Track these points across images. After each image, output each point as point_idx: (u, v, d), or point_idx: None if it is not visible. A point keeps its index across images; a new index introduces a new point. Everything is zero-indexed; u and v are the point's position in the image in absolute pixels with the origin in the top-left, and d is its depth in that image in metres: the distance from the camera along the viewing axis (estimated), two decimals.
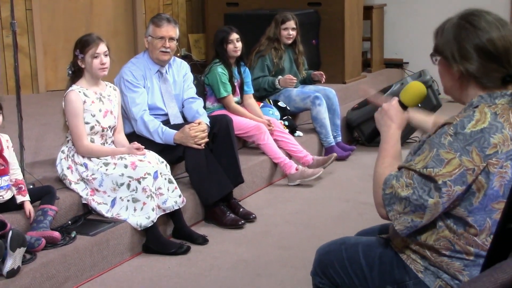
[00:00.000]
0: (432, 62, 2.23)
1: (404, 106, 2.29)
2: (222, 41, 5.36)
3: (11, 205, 3.72)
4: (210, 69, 5.39)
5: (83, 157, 4.12)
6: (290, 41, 6.10)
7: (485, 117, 2.06)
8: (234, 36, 5.34)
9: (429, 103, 6.38)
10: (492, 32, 2.09)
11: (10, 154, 3.76)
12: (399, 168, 2.14)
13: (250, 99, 5.65)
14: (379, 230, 2.53)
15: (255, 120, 5.42)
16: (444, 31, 2.16)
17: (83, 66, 4.12)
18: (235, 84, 5.48)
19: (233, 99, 5.42)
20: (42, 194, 3.85)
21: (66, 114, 4.12)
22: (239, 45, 5.36)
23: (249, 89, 5.65)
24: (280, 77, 5.99)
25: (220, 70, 5.34)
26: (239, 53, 5.39)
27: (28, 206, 3.73)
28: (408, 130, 5.91)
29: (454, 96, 2.22)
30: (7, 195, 3.70)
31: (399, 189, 2.09)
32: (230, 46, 5.35)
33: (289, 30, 6.06)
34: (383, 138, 2.27)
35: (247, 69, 5.62)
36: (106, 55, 4.11)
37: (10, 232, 3.32)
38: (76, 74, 4.17)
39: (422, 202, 2.06)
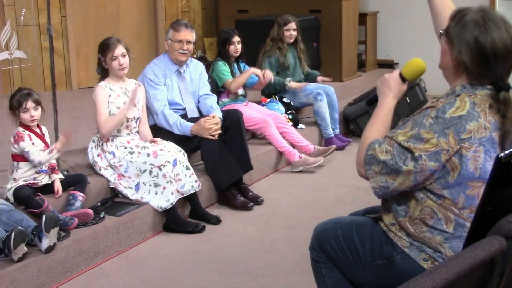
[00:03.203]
0: (438, 37, 2.18)
1: (403, 79, 2.26)
2: (225, 41, 5.36)
3: (47, 190, 3.74)
4: (213, 66, 5.39)
5: (111, 145, 4.13)
6: (292, 40, 6.11)
7: (464, 106, 2.06)
8: (236, 38, 5.36)
9: (416, 99, 6.33)
10: (499, 42, 2.03)
11: (49, 143, 3.79)
12: (384, 137, 2.15)
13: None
14: (367, 211, 2.54)
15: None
16: (461, 20, 2.10)
17: (106, 67, 4.13)
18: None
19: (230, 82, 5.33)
20: (75, 181, 3.88)
21: (94, 104, 4.12)
22: (239, 46, 5.37)
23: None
24: (290, 80, 5.97)
25: (220, 63, 5.34)
26: (238, 53, 5.40)
27: (58, 183, 3.76)
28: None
29: (446, 74, 2.19)
30: (44, 180, 3.72)
31: (379, 153, 2.10)
32: (232, 47, 5.35)
33: (291, 31, 6.07)
34: (379, 104, 2.28)
35: (246, 66, 5.60)
36: (123, 56, 4.10)
37: (44, 216, 3.33)
38: (104, 72, 4.20)
39: (397, 168, 2.07)
